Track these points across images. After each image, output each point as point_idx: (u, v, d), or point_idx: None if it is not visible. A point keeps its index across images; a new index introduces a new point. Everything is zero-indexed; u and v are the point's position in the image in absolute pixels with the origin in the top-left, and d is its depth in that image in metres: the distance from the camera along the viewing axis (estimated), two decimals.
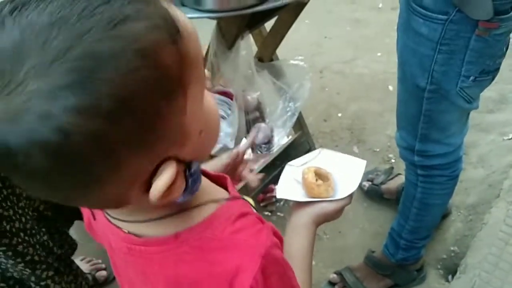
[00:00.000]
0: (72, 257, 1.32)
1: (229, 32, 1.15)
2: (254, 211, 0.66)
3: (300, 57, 1.31)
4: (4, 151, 0.36)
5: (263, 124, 1.31)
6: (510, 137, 1.93)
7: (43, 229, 1.17)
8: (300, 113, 1.82)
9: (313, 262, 1.63)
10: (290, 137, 1.95)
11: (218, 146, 1.25)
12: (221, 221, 0.53)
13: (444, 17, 0.93)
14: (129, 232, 0.54)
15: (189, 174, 0.48)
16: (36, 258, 1.17)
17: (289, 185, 0.77)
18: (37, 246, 1.17)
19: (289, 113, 1.30)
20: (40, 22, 0.36)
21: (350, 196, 0.74)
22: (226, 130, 1.18)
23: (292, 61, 1.30)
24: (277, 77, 1.32)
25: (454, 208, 1.71)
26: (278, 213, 1.83)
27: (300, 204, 0.74)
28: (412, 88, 1.09)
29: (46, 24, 0.35)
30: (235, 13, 0.96)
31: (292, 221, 0.73)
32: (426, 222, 1.36)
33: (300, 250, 0.69)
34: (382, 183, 1.77)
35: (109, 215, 0.55)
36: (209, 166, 0.78)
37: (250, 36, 1.23)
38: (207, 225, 0.53)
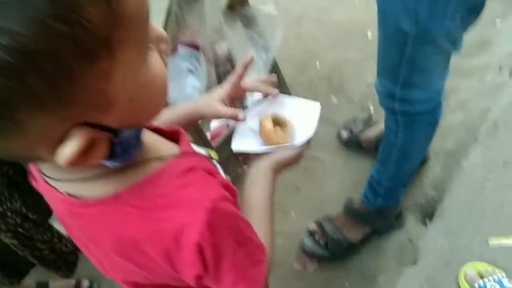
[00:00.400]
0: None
1: None
2: (214, 163, 0.63)
3: (271, 6, 1.22)
4: None
5: None
6: (489, 80, 1.91)
7: (15, 195, 1.14)
8: (276, 63, 1.77)
9: (292, 213, 1.65)
10: None
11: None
12: (166, 178, 0.51)
13: None
14: (66, 193, 0.50)
15: (118, 142, 0.45)
16: (11, 224, 1.15)
17: (245, 135, 0.74)
18: (9, 214, 1.15)
19: (261, 63, 1.24)
20: None
21: (308, 141, 0.72)
22: (194, 84, 1.13)
23: (263, 9, 1.22)
24: (247, 26, 1.25)
25: (432, 153, 1.71)
26: None
27: (258, 153, 0.72)
28: (394, 32, 1.03)
29: None
30: None
31: (251, 171, 0.72)
32: (406, 169, 1.36)
33: (260, 199, 0.68)
34: (361, 131, 1.75)
35: (44, 175, 0.51)
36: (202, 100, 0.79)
37: None
38: (151, 182, 0.50)
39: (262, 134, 0.71)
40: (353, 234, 1.50)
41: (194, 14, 1.14)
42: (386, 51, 1.12)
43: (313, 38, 2.31)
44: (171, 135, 0.62)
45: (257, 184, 0.70)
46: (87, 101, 0.38)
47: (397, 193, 1.43)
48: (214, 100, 0.77)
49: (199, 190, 0.51)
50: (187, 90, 1.14)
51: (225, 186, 0.56)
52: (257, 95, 0.80)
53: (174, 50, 1.22)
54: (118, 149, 0.46)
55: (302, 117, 0.74)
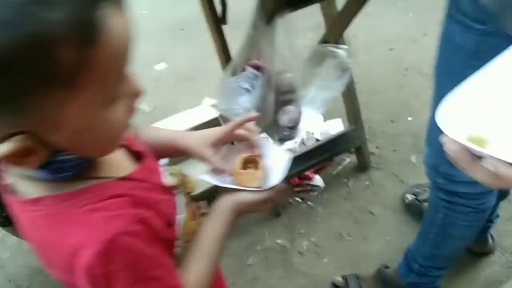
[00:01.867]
0: None
1: (267, 6, 1.13)
2: (177, 194, 0.66)
3: (346, 47, 1.22)
4: None
5: (291, 107, 1.28)
6: None
7: None
8: (358, 106, 1.74)
9: (326, 259, 1.60)
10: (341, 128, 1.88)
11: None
12: (87, 197, 0.54)
13: (481, 27, 0.80)
14: (7, 184, 0.56)
15: (55, 160, 0.50)
16: None
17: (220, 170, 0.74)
18: None
19: (319, 102, 1.24)
20: None
21: (274, 189, 0.69)
22: (245, 105, 1.18)
23: (337, 49, 1.22)
24: (318, 62, 1.27)
25: (499, 249, 1.51)
26: (309, 202, 1.79)
27: (224, 190, 0.71)
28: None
29: None
30: None
31: (213, 206, 0.71)
32: (443, 251, 1.23)
33: (206, 237, 0.67)
34: (425, 200, 1.63)
35: None
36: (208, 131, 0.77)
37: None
38: (71, 197, 0.53)
39: (232, 172, 0.71)
40: None
41: (267, 39, 1.19)
42: (435, 123, 1.04)
43: (415, 92, 2.21)
44: (138, 155, 0.65)
45: (211, 221, 0.69)
46: (36, 118, 0.43)
47: (433, 275, 1.30)
48: (205, 142, 0.74)
49: (106, 217, 0.52)
50: (237, 109, 1.19)
51: (145, 221, 0.56)
52: None
53: (242, 70, 1.28)
54: (52, 166, 0.50)
55: (275, 163, 0.73)
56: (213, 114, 1.80)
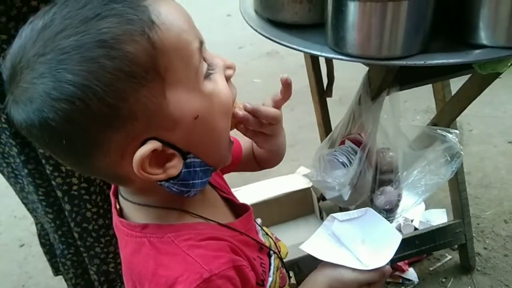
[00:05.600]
0: None
1: (374, 82, 1.10)
2: (269, 253, 0.63)
3: (456, 132, 1.13)
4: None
5: (390, 188, 1.19)
6: None
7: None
8: (466, 199, 1.58)
9: None
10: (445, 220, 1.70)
11: (330, 194, 1.20)
12: (189, 232, 0.55)
13: None
14: (119, 207, 0.59)
15: (186, 165, 0.52)
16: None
17: (321, 240, 0.70)
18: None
19: (422, 188, 1.14)
20: (36, 27, 0.45)
21: (380, 271, 0.63)
22: (339, 179, 1.12)
23: (448, 133, 1.14)
24: (424, 144, 1.18)
25: None
26: None
27: (325, 263, 0.68)
28: None
29: (40, 27, 0.45)
30: (371, 62, 0.90)
31: (308, 277, 0.69)
32: None
33: None
34: None
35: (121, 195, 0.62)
36: None
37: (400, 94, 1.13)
38: (175, 229, 0.55)
39: None
40: None
41: (371, 114, 1.15)
42: None
43: None
44: (239, 209, 0.66)
45: (305, 286, 0.67)
46: (147, 117, 0.46)
47: None
48: None
49: (206, 256, 0.53)
50: (330, 182, 1.14)
51: (240, 271, 0.55)
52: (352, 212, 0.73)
53: (341, 143, 1.24)
54: (185, 173, 0.52)
55: (381, 243, 0.66)
56: (306, 184, 1.76)
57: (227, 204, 0.69)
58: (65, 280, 1.37)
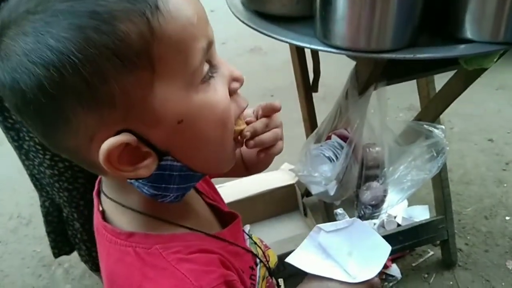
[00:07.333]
0: None
1: (362, 76, 1.09)
2: (257, 262, 0.61)
3: (442, 127, 1.13)
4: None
5: (376, 183, 1.19)
6: None
7: None
8: (449, 195, 1.59)
9: None
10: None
11: (316, 188, 1.19)
12: (178, 244, 0.52)
13: None
14: (102, 210, 0.56)
15: (161, 166, 0.47)
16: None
17: (307, 252, 0.67)
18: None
19: (408, 183, 1.14)
20: None
21: (367, 283, 0.61)
22: (326, 174, 1.11)
23: (434, 129, 1.14)
24: (410, 140, 1.18)
25: None
26: None
27: (312, 275, 0.65)
28: None
29: None
30: (360, 55, 0.89)
31: (299, 286, 0.66)
32: None
33: None
34: None
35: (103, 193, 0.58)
36: None
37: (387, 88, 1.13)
38: (163, 240, 0.51)
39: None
40: None
41: (357, 109, 1.14)
42: None
43: None
44: (228, 217, 0.63)
45: None
46: (127, 106, 0.42)
47: None
48: None
49: (196, 271, 0.50)
50: (316, 177, 1.13)
51: (230, 284, 0.52)
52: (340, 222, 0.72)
53: (327, 138, 1.24)
54: (159, 175, 0.47)
55: (369, 254, 0.65)
56: (290, 180, 1.75)
57: (213, 212, 0.65)
58: (80, 256, 1.47)
